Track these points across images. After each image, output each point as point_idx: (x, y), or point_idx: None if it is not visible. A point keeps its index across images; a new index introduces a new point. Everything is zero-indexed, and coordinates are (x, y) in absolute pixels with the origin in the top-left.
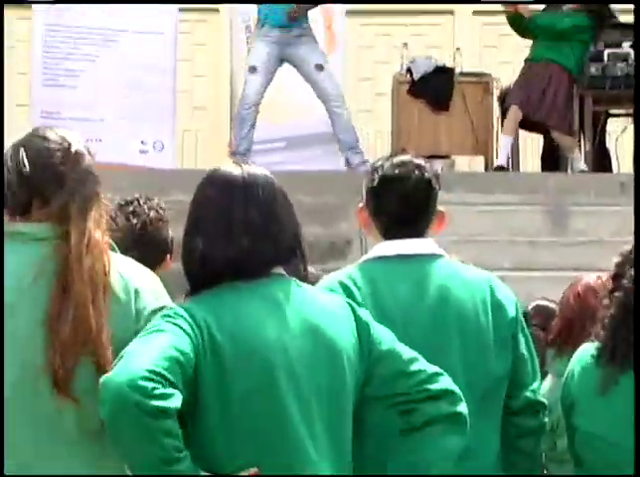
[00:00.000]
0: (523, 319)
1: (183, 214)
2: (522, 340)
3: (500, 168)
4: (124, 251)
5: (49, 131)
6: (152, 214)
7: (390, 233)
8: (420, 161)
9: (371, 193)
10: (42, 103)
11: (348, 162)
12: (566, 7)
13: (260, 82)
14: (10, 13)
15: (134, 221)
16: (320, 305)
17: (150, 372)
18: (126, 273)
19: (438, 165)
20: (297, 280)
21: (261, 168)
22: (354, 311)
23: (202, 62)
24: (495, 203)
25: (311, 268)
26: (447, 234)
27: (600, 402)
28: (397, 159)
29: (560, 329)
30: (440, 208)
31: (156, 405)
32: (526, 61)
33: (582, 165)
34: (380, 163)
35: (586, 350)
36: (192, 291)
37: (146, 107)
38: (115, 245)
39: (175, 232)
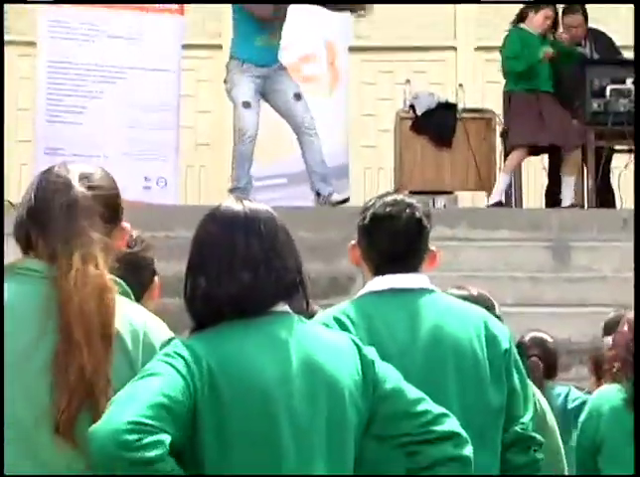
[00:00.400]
0: (516, 352)
1: (186, 249)
2: (515, 373)
3: (498, 204)
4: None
5: (60, 166)
6: (135, 235)
7: (380, 270)
8: (413, 200)
9: (362, 231)
10: (45, 140)
11: (318, 194)
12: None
13: (256, 117)
14: (12, 51)
15: None
16: (323, 342)
17: (134, 423)
18: (138, 323)
19: (441, 201)
20: (301, 317)
21: (263, 204)
22: (359, 349)
23: (205, 98)
24: (498, 238)
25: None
26: (450, 269)
27: (630, 450)
28: (388, 198)
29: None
30: (432, 247)
31: (142, 457)
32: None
33: (569, 200)
34: (372, 202)
35: (613, 391)
36: (195, 329)
37: (150, 143)
38: (129, 291)
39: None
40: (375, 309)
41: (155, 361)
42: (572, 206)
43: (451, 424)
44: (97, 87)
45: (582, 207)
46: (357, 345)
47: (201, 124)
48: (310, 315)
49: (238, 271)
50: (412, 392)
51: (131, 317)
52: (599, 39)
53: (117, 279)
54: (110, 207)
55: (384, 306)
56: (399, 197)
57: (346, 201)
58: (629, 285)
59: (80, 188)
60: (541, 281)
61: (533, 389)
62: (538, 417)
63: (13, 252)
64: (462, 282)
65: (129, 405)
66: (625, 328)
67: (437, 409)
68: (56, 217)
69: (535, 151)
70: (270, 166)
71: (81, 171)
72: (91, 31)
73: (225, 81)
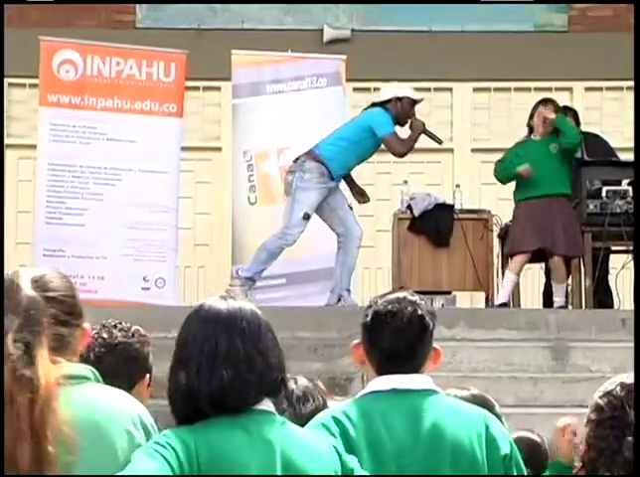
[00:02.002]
0: (518, 455)
1: None
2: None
3: (502, 305)
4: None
5: (13, 273)
6: (134, 329)
7: (383, 368)
8: (416, 298)
9: (364, 329)
10: (44, 241)
11: (339, 300)
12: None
13: (304, 229)
14: (13, 154)
15: (116, 332)
16: (304, 446)
17: None
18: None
19: (439, 301)
20: (283, 418)
21: (247, 302)
22: (339, 455)
23: (204, 199)
24: (496, 339)
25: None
26: (450, 369)
27: None
28: (391, 296)
29: None
30: (435, 345)
31: None
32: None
33: (560, 301)
34: (375, 300)
35: None
36: (177, 426)
37: (149, 244)
38: (98, 374)
39: None
40: (375, 409)
41: (145, 449)
42: (561, 307)
43: None
44: (97, 189)
45: (580, 307)
46: (338, 452)
47: (199, 225)
48: (298, 414)
49: (218, 369)
50: None
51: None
52: (592, 141)
53: (87, 367)
54: (64, 307)
55: (385, 406)
56: (401, 294)
57: None
58: None
59: (29, 290)
60: (540, 381)
61: None
62: None
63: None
64: (461, 382)
65: None
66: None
67: None
68: (8, 315)
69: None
70: (271, 266)
71: (32, 275)
72: (91, 133)
73: (291, 171)
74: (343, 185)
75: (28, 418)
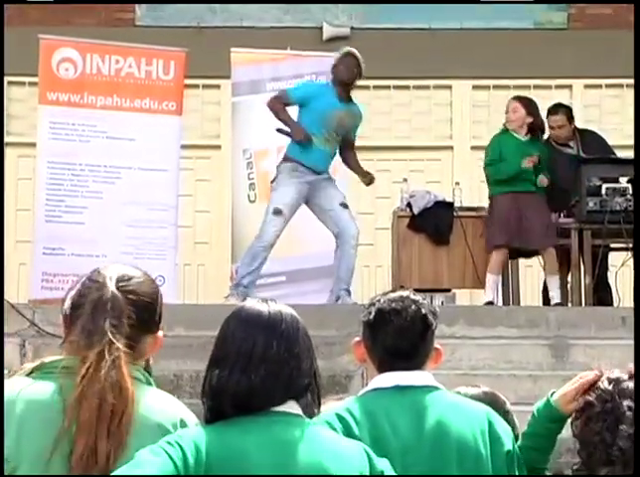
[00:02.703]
0: (518, 452)
1: (184, 347)
2: (516, 472)
3: (489, 303)
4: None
5: (100, 268)
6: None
7: (385, 366)
8: (418, 297)
9: (367, 326)
10: (44, 239)
11: (337, 299)
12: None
13: (281, 225)
14: (12, 152)
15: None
16: (332, 448)
17: None
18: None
19: (439, 299)
20: (309, 419)
21: (286, 306)
22: (369, 458)
23: (203, 197)
24: (496, 336)
25: None
26: (450, 367)
27: None
28: (394, 294)
29: None
30: (436, 344)
31: None
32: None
33: (555, 296)
34: (377, 298)
35: None
36: (208, 422)
37: (148, 242)
38: (149, 377)
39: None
40: (379, 406)
41: (153, 447)
42: (558, 305)
43: None
44: (97, 187)
45: (580, 304)
46: (367, 454)
47: (199, 223)
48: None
49: (251, 369)
50: None
51: (161, 408)
52: (588, 138)
53: (141, 370)
54: (144, 312)
55: (388, 403)
56: (404, 293)
57: None
58: None
59: (112, 288)
60: (540, 379)
61: None
62: None
63: None
64: (460, 380)
65: None
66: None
67: None
68: (84, 314)
69: (515, 254)
70: (271, 264)
71: (120, 273)
72: (91, 131)
73: (272, 182)
74: (343, 183)
75: (109, 420)
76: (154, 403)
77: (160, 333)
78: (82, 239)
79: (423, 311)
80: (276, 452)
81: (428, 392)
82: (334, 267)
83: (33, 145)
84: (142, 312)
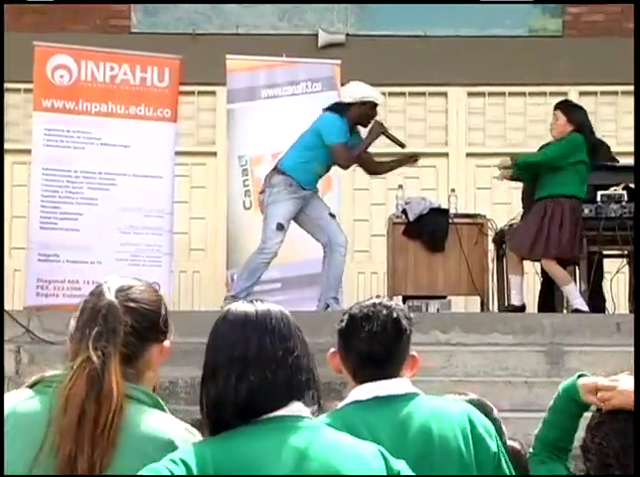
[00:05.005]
0: (503, 449)
1: (179, 354)
2: (506, 471)
3: (517, 308)
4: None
5: (103, 282)
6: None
7: (358, 374)
8: (392, 303)
9: (340, 335)
10: (39, 246)
11: (327, 307)
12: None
13: (282, 240)
14: (7, 159)
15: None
16: (341, 448)
17: None
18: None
19: (434, 305)
20: (319, 422)
21: (274, 304)
22: (385, 459)
23: (199, 204)
24: (492, 343)
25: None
26: (445, 374)
27: None
28: (367, 302)
29: None
30: (413, 352)
31: None
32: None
33: (578, 303)
34: (351, 306)
35: None
36: (211, 434)
37: (143, 249)
38: (156, 398)
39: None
40: (359, 420)
41: (155, 465)
42: (576, 310)
43: None
44: (92, 194)
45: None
46: (383, 455)
47: (194, 230)
48: None
49: (248, 375)
50: None
51: (157, 426)
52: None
53: (147, 391)
54: (144, 320)
55: (368, 416)
56: (377, 300)
57: None
58: None
59: (109, 297)
60: (535, 385)
61: None
62: None
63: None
64: (456, 387)
65: None
66: None
67: None
68: (82, 323)
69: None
70: (266, 271)
71: (120, 283)
72: (85, 138)
73: (261, 192)
74: (337, 193)
75: (93, 427)
76: (152, 421)
77: (167, 342)
78: (77, 246)
79: (395, 315)
80: (289, 458)
81: (408, 400)
82: (321, 276)
83: (28, 152)
84: (142, 320)
